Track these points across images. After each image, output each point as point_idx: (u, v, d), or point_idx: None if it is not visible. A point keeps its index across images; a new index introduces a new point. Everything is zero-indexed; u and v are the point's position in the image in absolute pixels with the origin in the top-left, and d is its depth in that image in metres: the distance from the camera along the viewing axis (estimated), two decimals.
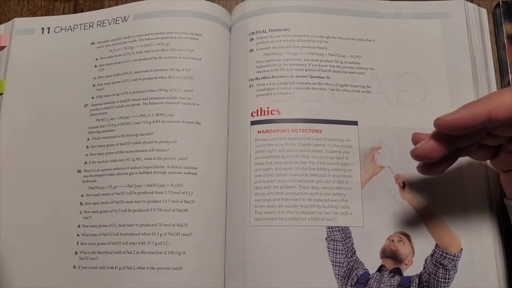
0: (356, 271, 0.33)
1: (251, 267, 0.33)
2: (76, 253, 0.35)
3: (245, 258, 0.33)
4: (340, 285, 0.33)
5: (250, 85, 0.37)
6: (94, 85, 0.39)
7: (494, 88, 0.38)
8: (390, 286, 0.33)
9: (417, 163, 0.31)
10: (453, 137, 0.28)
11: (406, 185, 0.35)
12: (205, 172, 0.35)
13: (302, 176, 0.35)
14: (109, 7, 0.43)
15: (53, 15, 0.44)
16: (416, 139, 0.30)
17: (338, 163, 0.35)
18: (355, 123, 0.36)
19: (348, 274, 0.33)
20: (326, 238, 0.33)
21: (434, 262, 0.33)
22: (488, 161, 0.32)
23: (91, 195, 0.36)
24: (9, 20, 0.43)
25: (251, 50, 0.38)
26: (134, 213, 0.34)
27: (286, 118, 0.36)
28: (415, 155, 0.29)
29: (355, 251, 0.34)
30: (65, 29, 0.42)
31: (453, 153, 0.29)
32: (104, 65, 0.40)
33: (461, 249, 0.33)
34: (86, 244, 0.35)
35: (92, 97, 0.39)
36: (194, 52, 0.38)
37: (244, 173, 0.35)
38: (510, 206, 0.31)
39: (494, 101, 0.26)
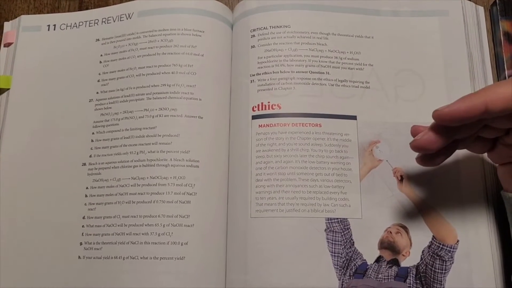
0: (355, 262, 0.34)
1: (252, 258, 0.34)
2: (81, 243, 0.36)
3: (246, 249, 0.34)
4: (339, 275, 0.34)
5: (251, 81, 0.38)
6: (98, 81, 0.40)
7: (490, 83, 0.39)
8: (388, 276, 0.34)
9: (415, 156, 0.32)
10: (451, 129, 0.28)
11: (404, 178, 0.36)
12: (207, 165, 0.36)
13: (302, 169, 0.35)
14: (113, 4, 0.44)
15: (58, 12, 0.45)
16: (415, 131, 0.31)
17: (337, 156, 0.36)
18: (354, 117, 0.37)
19: (346, 265, 0.34)
20: (325, 229, 0.34)
21: (431, 254, 0.34)
22: (486, 154, 0.33)
23: (95, 187, 0.37)
24: (16, 17, 0.44)
25: (253, 47, 0.39)
26: (138, 204, 0.35)
27: (286, 112, 0.37)
28: (414, 146, 0.29)
29: (353, 242, 0.34)
30: (71, 26, 0.43)
31: (451, 145, 0.30)
32: (108, 61, 0.40)
33: (458, 241, 0.34)
34: (90, 235, 0.36)
35: (97, 92, 0.40)
36: (196, 49, 0.39)
37: (245, 166, 0.36)
38: (507, 198, 0.32)
39: (491, 93, 0.27)
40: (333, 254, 0.34)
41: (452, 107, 0.27)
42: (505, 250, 0.34)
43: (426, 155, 0.31)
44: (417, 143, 0.29)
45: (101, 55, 0.41)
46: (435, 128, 0.29)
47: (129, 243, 0.35)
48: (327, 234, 0.34)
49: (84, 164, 0.38)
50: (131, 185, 0.36)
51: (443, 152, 0.30)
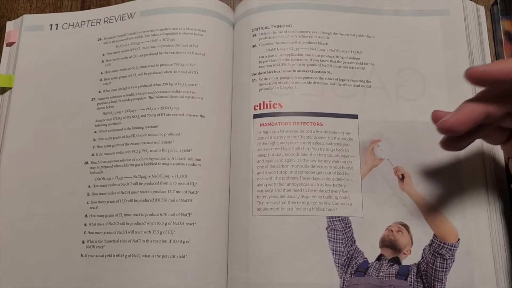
0: (356, 260, 0.34)
1: (253, 256, 0.34)
2: (83, 242, 0.36)
3: (247, 247, 0.34)
4: (340, 273, 0.34)
5: (253, 80, 0.38)
6: (101, 80, 0.40)
7: None
8: (389, 274, 0.34)
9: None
10: (480, 111, 0.28)
11: (404, 177, 0.36)
12: (209, 164, 0.36)
13: (303, 168, 0.35)
14: (115, 4, 0.44)
15: (61, 12, 0.45)
16: (436, 116, 0.30)
17: (338, 155, 0.36)
18: (355, 116, 0.37)
19: (348, 263, 0.34)
20: (327, 228, 0.34)
21: (432, 252, 0.34)
22: (486, 152, 0.33)
23: (98, 186, 0.37)
24: (18, 17, 0.44)
25: (254, 46, 0.39)
26: (140, 203, 0.35)
27: (288, 111, 0.37)
28: (442, 127, 0.29)
29: (354, 241, 0.34)
30: (73, 25, 0.43)
31: (474, 131, 0.29)
32: (111, 60, 0.41)
33: (459, 239, 0.34)
34: (93, 233, 0.36)
35: (99, 91, 0.40)
36: (198, 48, 0.39)
37: (247, 164, 0.36)
38: None
39: None
40: (334, 252, 0.34)
41: (485, 67, 0.28)
42: (508, 248, 0.34)
43: (451, 139, 0.30)
44: (446, 124, 0.29)
45: (103, 55, 0.41)
46: (462, 110, 0.29)
47: (131, 241, 0.35)
48: (329, 233, 0.34)
49: (87, 162, 0.38)
50: (133, 184, 0.36)
51: (467, 136, 0.30)
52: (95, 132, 0.39)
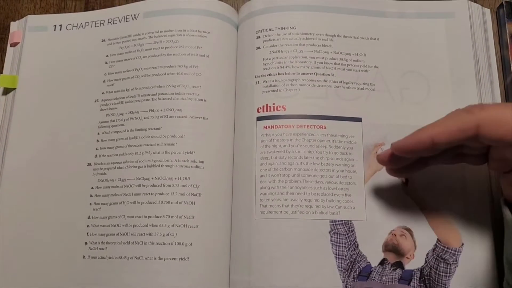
0: (359, 264, 0.34)
1: (255, 259, 0.34)
2: (85, 243, 0.36)
3: (250, 250, 0.34)
4: (343, 277, 0.34)
5: (256, 82, 0.38)
6: (104, 81, 0.40)
7: (497, 86, 0.38)
8: (392, 279, 0.34)
9: None
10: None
11: (408, 180, 0.35)
12: (212, 166, 0.36)
13: (306, 171, 0.35)
14: (119, 5, 0.44)
15: (64, 12, 0.45)
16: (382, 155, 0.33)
17: (342, 158, 0.36)
18: (359, 119, 0.37)
19: (350, 267, 0.34)
20: (330, 231, 0.34)
21: (436, 257, 0.34)
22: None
23: (100, 187, 0.37)
24: (22, 17, 0.44)
25: (258, 48, 0.39)
26: (143, 205, 0.35)
27: (291, 114, 0.37)
28: (379, 160, 0.33)
29: (357, 245, 0.34)
30: (77, 26, 0.43)
31: (420, 162, 0.32)
32: (114, 61, 0.41)
33: (462, 244, 0.34)
34: (95, 235, 0.36)
35: (103, 93, 0.40)
36: (202, 49, 0.39)
37: (249, 167, 0.36)
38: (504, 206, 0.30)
39: (438, 127, 0.28)
40: (337, 256, 0.34)
41: (402, 142, 0.30)
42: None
43: (392, 169, 0.33)
44: (378, 157, 0.33)
45: (107, 56, 0.41)
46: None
47: (133, 243, 0.35)
48: (331, 236, 0.34)
49: (90, 164, 0.38)
50: (136, 186, 0.36)
51: (410, 168, 0.33)
52: (98, 133, 0.39)
